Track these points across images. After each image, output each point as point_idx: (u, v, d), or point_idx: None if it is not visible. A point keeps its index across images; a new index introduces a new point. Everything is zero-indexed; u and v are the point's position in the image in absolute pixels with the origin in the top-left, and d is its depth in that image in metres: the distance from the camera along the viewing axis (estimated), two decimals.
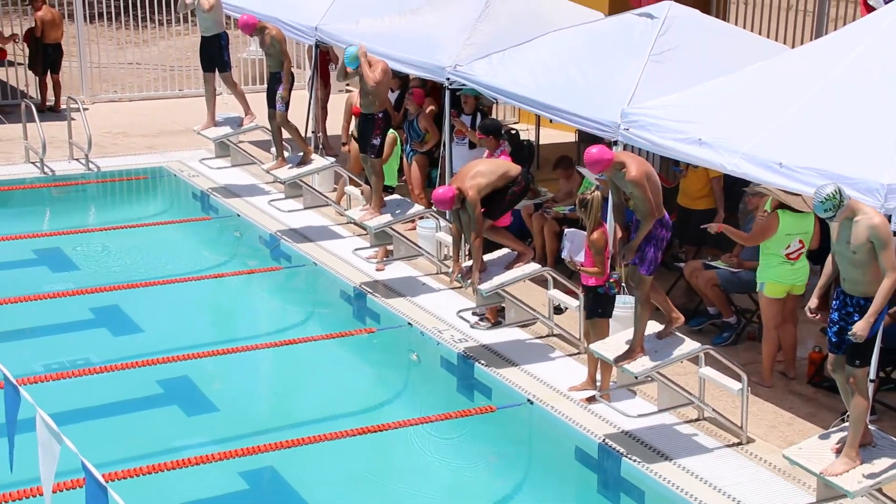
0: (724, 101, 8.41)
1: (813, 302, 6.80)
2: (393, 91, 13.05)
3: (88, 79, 17.05)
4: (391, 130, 10.47)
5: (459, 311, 9.46)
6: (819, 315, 6.84)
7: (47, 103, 16.07)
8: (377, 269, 10.60)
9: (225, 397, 8.66)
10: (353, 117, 11.68)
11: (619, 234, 7.59)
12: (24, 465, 5.81)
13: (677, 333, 7.86)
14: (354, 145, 11.33)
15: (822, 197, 6.28)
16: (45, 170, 13.53)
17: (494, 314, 9.49)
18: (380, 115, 10.13)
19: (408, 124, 11.81)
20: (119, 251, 11.80)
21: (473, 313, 9.51)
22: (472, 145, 11.09)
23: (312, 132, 13.51)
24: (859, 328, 6.34)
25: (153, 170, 14.05)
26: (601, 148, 7.37)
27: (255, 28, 11.70)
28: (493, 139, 9.79)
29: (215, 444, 7.81)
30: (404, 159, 11.93)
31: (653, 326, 7.83)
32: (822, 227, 8.70)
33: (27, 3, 16.78)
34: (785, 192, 8.03)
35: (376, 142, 10.15)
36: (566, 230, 8.13)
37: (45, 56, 15.94)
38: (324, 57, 14.15)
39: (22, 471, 5.90)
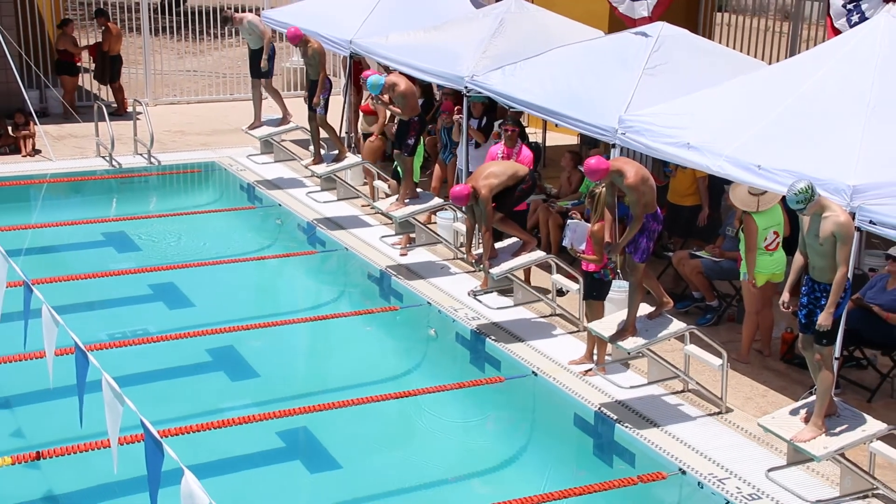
0: (710, 110, 8.30)
1: (785, 296, 6.70)
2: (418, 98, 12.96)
3: (152, 84, 17.01)
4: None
5: (470, 292, 9.36)
6: (791, 308, 6.73)
7: (113, 106, 16.05)
8: (401, 255, 10.52)
9: (265, 365, 8.61)
10: (362, 114, 12.13)
11: (609, 227, 7.49)
12: (92, 421, 5.80)
13: (666, 315, 7.76)
14: (370, 142, 11.81)
15: (795, 190, 6.19)
16: (113, 163, 13.50)
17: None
18: (415, 118, 10.10)
19: (446, 132, 11.67)
20: (175, 235, 11.75)
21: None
22: (477, 145, 10.99)
23: (346, 133, 13.41)
24: (823, 319, 6.30)
25: (206, 164, 14.00)
26: (598, 159, 7.30)
27: (300, 39, 11.64)
28: (516, 133, 9.72)
29: (256, 406, 7.77)
30: (440, 161, 11.83)
31: (644, 308, 7.72)
32: (792, 216, 8.59)
33: (94, 19, 16.73)
34: (752, 192, 7.91)
35: (411, 141, 10.17)
36: (569, 221, 8.03)
37: (112, 66, 15.91)
38: (357, 67, 14.05)
39: (91, 426, 5.89)
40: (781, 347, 8.44)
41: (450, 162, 11.76)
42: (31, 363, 7.48)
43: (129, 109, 14.94)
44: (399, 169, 10.42)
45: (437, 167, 11.89)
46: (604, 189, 7.71)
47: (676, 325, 7.65)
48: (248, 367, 8.54)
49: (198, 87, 17.85)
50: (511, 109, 10.46)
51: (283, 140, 13.98)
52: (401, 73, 13.38)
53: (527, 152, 9.76)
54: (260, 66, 13.09)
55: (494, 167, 8.73)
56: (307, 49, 11.68)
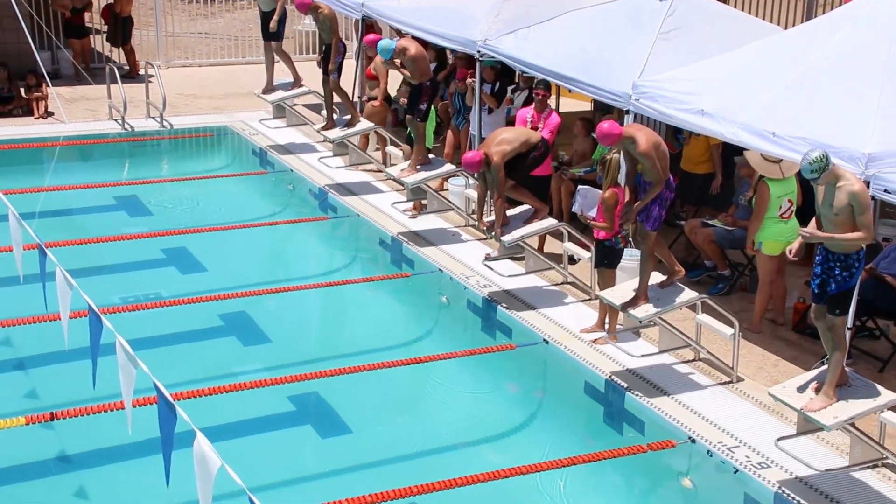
0: (724, 75, 8.23)
1: (794, 245, 6.62)
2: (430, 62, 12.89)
3: (164, 46, 16.95)
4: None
5: (484, 260, 9.36)
6: (797, 258, 6.63)
7: (125, 68, 16.00)
8: (411, 217, 10.47)
9: (277, 330, 8.65)
10: (367, 79, 12.20)
11: (628, 197, 7.44)
12: (106, 383, 5.86)
13: (678, 283, 7.74)
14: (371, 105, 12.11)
15: (809, 160, 6.12)
16: (126, 126, 13.49)
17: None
18: (427, 83, 10.05)
19: (460, 98, 11.61)
20: (187, 200, 11.78)
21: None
22: (490, 110, 10.93)
23: (359, 97, 13.35)
24: (806, 232, 6.24)
25: (219, 128, 13.97)
26: (611, 123, 7.24)
27: (309, 7, 11.53)
28: (548, 97, 9.70)
29: (268, 371, 7.82)
30: (453, 126, 11.77)
31: (656, 277, 7.71)
32: (805, 186, 8.53)
33: None
34: (766, 159, 7.88)
35: (423, 106, 10.11)
36: (580, 187, 7.99)
37: (124, 28, 15.84)
38: (369, 30, 13.95)
39: (104, 388, 5.95)
40: (793, 317, 8.42)
41: (463, 128, 11.72)
42: (47, 325, 7.54)
43: (141, 72, 14.91)
44: (411, 134, 10.39)
45: (449, 133, 11.84)
46: (616, 156, 7.67)
47: (688, 294, 7.64)
48: (259, 332, 8.59)
49: (210, 50, 17.78)
50: (524, 74, 10.38)
51: (295, 104, 13.93)
52: (413, 37, 13.31)
53: (555, 117, 9.73)
54: (270, 29, 12.99)
55: (507, 133, 8.70)
56: (318, 15, 11.60)
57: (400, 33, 14.60)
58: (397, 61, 10.11)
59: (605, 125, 7.21)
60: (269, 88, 13.36)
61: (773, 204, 8.04)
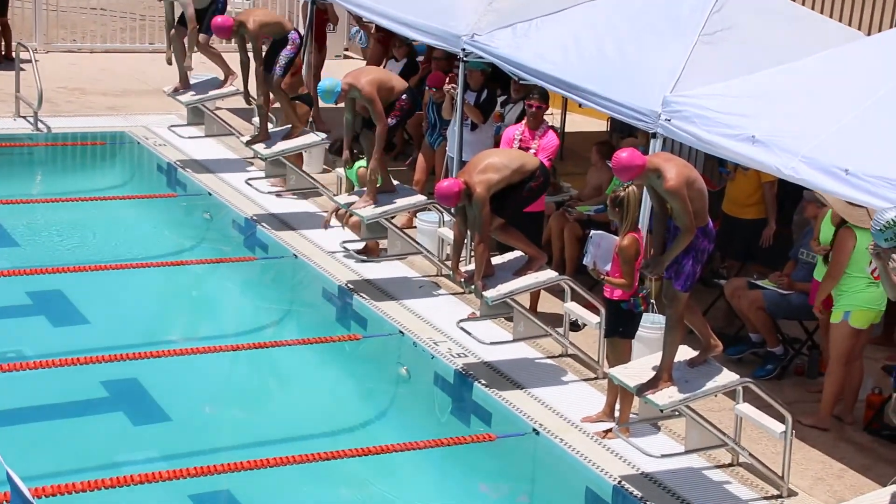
0: (784, 93, 8.38)
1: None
2: (398, 61, 13.09)
3: (43, 23, 17.05)
4: None
5: (460, 322, 9.44)
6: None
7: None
8: (364, 261, 10.64)
9: (179, 406, 8.64)
10: None
11: (654, 245, 7.56)
12: None
13: (713, 362, 7.83)
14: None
15: (881, 224, 6.26)
16: None
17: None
18: (401, 97, 10.18)
19: (434, 108, 11.76)
20: (67, 227, 11.80)
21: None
22: (473, 126, 11.08)
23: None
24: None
25: (113, 135, 14.05)
26: (632, 152, 7.36)
27: (231, 31, 11.61)
28: (544, 111, 9.90)
29: (164, 460, 7.79)
30: (426, 145, 11.91)
31: (684, 352, 7.80)
32: None
33: None
34: (848, 203, 8.01)
35: (392, 122, 10.18)
36: (592, 232, 8.10)
37: None
38: (321, 16, 14.15)
39: None
40: (866, 414, 8.53)
41: (438, 147, 11.86)
42: None
43: (12, 56, 14.98)
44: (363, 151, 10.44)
45: (420, 154, 11.97)
46: (633, 189, 7.78)
47: (726, 377, 7.72)
48: (155, 408, 8.56)
49: (105, 32, 17.91)
50: (520, 81, 10.56)
51: (217, 108, 14.05)
52: (376, 30, 13.48)
53: (552, 137, 9.88)
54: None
55: (495, 158, 8.82)
56: (247, 34, 11.62)
57: (360, 21, 14.90)
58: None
59: (625, 154, 7.34)
60: (184, 86, 13.46)
61: (860, 256, 8.13)
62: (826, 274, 8.31)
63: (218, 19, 11.68)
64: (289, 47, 11.66)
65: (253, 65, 11.71)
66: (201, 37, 13.10)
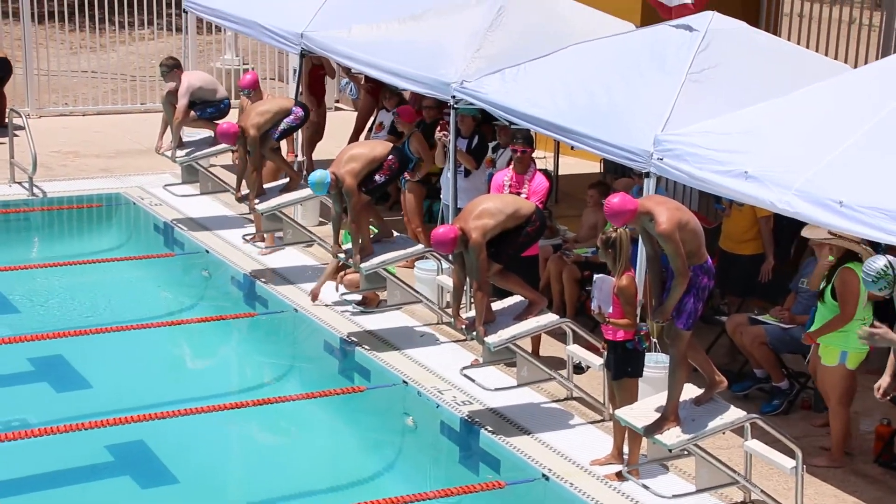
0: (775, 128, 8.41)
1: (885, 380, 6.73)
2: (388, 111, 13.15)
3: (35, 88, 17.11)
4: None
5: (463, 369, 9.42)
6: (889, 394, 6.76)
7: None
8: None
9: (186, 466, 8.59)
10: None
11: (653, 288, 7.56)
12: None
13: (719, 399, 7.81)
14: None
15: (873, 273, 6.30)
16: None
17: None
18: (389, 157, 10.26)
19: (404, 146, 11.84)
20: (66, 291, 11.77)
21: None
22: (467, 173, 11.12)
23: (295, 156, 13.52)
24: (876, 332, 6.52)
25: (108, 196, 14.06)
26: (623, 197, 7.43)
27: (236, 137, 11.60)
28: (529, 155, 9.93)
29: None
30: (403, 191, 11.96)
31: (690, 391, 7.78)
32: None
33: None
34: (848, 238, 8.03)
35: (378, 179, 10.23)
36: (596, 277, 8.10)
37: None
38: (316, 71, 14.20)
39: None
40: (875, 445, 8.49)
41: (405, 187, 11.87)
42: None
43: (6, 122, 15.02)
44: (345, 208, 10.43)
45: (409, 198, 11.99)
46: (624, 231, 7.81)
47: (733, 414, 7.70)
48: (163, 470, 8.51)
49: (97, 94, 17.98)
50: (512, 126, 10.61)
51: (211, 165, 14.06)
52: (365, 80, 13.54)
53: (541, 180, 9.89)
54: None
55: (489, 203, 8.83)
56: (248, 139, 11.57)
57: (349, 73, 14.97)
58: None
59: (616, 200, 7.40)
60: (177, 144, 13.50)
61: (862, 297, 8.12)
62: (838, 316, 8.22)
63: (224, 125, 11.70)
64: (291, 117, 11.72)
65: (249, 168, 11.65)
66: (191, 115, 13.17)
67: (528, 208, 8.91)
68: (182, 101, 12.76)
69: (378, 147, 10.48)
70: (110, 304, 11.45)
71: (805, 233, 8.47)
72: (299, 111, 11.80)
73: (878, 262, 6.29)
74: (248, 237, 12.03)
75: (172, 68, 12.82)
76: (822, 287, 8.37)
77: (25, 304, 11.39)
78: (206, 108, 12.99)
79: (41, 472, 8.39)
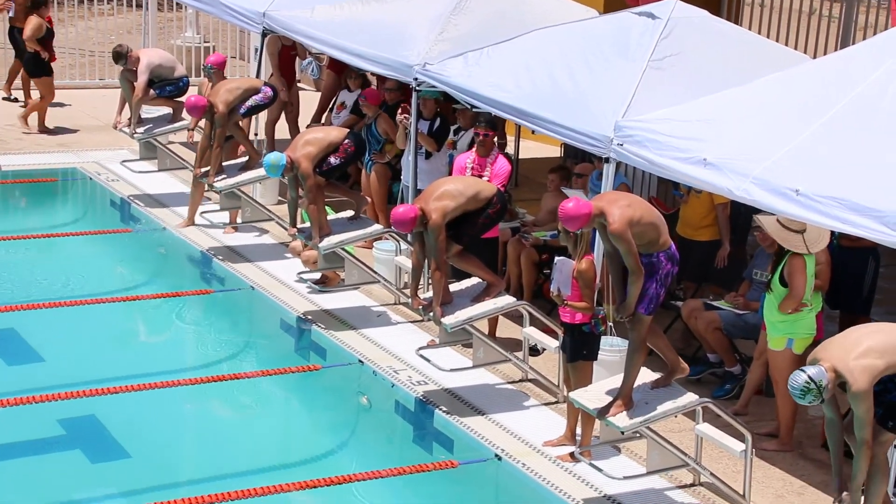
0: (734, 116, 8.46)
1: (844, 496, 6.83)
2: (351, 91, 13.13)
3: None
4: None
5: (419, 349, 9.44)
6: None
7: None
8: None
9: (138, 441, 8.56)
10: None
11: (614, 283, 7.63)
12: None
13: (673, 383, 7.87)
14: None
15: (797, 390, 6.46)
16: None
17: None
18: (346, 140, 10.31)
19: (366, 129, 11.85)
20: (19, 265, 11.71)
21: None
22: (428, 155, 11.15)
23: (255, 135, 13.45)
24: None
25: (64, 171, 13.97)
26: (577, 201, 7.50)
27: (204, 111, 11.57)
28: (492, 138, 9.98)
29: (124, 496, 7.77)
30: (363, 171, 11.95)
31: (645, 374, 7.84)
32: (833, 261, 8.83)
33: None
34: (786, 226, 8.13)
35: (334, 161, 10.27)
36: (556, 259, 8.15)
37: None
38: (287, 52, 14.15)
39: None
40: (823, 431, 8.59)
41: (371, 170, 11.90)
42: None
43: None
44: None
45: (373, 179, 12.00)
46: None
47: (686, 398, 7.76)
48: (114, 444, 8.49)
49: (56, 68, 17.76)
50: (473, 109, 10.62)
51: (170, 142, 14.00)
52: (328, 60, 13.50)
53: (503, 163, 9.94)
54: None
55: (451, 185, 8.86)
56: (213, 117, 11.56)
57: (312, 54, 14.91)
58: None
59: (570, 205, 7.48)
60: (137, 120, 13.42)
61: (809, 284, 8.24)
62: (787, 297, 8.32)
63: (192, 99, 11.65)
64: (260, 95, 11.76)
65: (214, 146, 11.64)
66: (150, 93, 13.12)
67: (489, 191, 8.94)
68: (142, 79, 12.71)
69: (334, 132, 10.52)
70: (65, 278, 11.36)
71: (760, 219, 8.54)
72: (268, 90, 11.83)
73: (800, 377, 6.45)
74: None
75: (124, 55, 12.82)
76: (769, 277, 8.48)
77: None
78: (166, 86, 12.95)
79: None
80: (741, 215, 10.07)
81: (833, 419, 6.74)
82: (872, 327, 6.90)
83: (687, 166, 8.27)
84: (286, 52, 14.12)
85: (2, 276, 11.45)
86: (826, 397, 6.50)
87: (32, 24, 15.00)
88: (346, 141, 10.34)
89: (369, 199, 11.42)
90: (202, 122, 11.92)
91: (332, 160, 10.26)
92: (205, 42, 18.52)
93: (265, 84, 12.02)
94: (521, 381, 9.30)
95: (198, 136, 12.09)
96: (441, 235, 8.60)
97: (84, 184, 13.78)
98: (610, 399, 7.65)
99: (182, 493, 7.58)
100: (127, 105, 13.04)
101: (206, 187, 11.91)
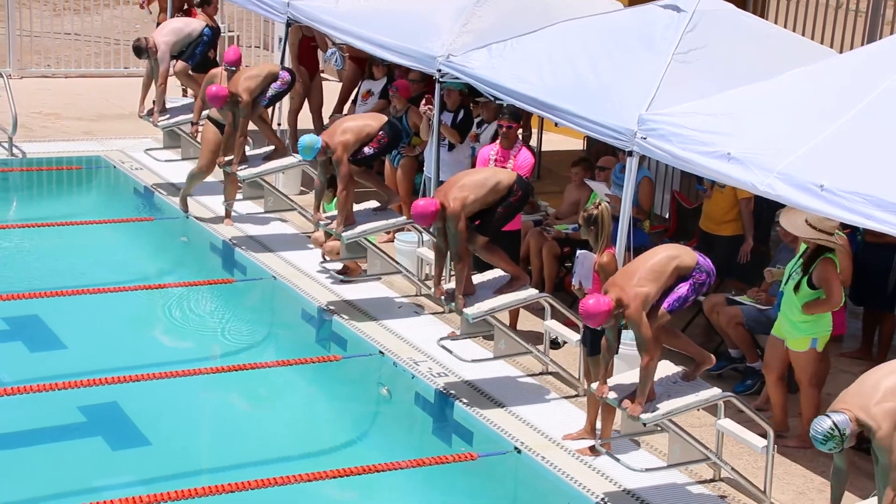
0: (759, 110, 8.41)
1: None
2: (376, 79, 13.11)
3: (17, 49, 16.99)
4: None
5: (441, 340, 9.44)
6: None
7: None
8: (343, 282, 10.66)
9: (159, 429, 8.59)
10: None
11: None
12: None
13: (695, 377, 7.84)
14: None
15: (820, 436, 6.37)
16: None
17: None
18: (380, 132, 10.30)
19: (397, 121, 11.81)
20: (43, 252, 11.73)
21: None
22: (451, 146, 11.11)
23: (278, 125, 13.47)
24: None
25: (89, 159, 14.00)
26: (597, 298, 7.35)
27: (225, 100, 11.54)
28: (516, 131, 9.97)
29: (143, 484, 7.74)
30: (388, 163, 11.93)
31: (667, 367, 7.80)
32: (857, 257, 8.78)
33: None
34: (812, 225, 8.08)
35: (369, 151, 10.28)
36: (578, 252, 8.12)
37: None
38: (307, 43, 14.14)
39: None
40: None
41: (399, 164, 11.88)
42: None
43: None
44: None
45: (399, 174, 11.98)
46: (605, 206, 7.85)
47: (708, 392, 7.73)
48: (135, 432, 8.51)
49: (80, 56, 17.86)
50: (497, 101, 10.59)
51: (195, 131, 14.00)
52: (350, 54, 13.51)
53: (527, 156, 9.92)
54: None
55: (469, 177, 8.85)
56: (236, 107, 11.57)
57: (335, 44, 14.90)
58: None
59: (591, 301, 7.32)
60: (161, 109, 13.45)
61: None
62: (823, 302, 8.24)
63: (212, 89, 11.55)
64: (278, 83, 11.72)
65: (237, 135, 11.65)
66: (180, 65, 13.16)
67: (508, 179, 8.92)
68: (163, 67, 12.79)
69: (372, 121, 10.45)
70: (87, 266, 11.40)
71: (782, 222, 8.49)
72: (286, 75, 11.82)
73: (825, 422, 6.38)
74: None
75: (144, 48, 12.94)
76: (797, 279, 8.32)
77: (2, 263, 11.36)
78: (194, 50, 13.11)
79: (13, 430, 8.38)
80: (764, 210, 10.01)
81: (842, 469, 6.67)
82: (888, 368, 6.77)
83: (711, 160, 8.22)
84: (306, 43, 14.11)
85: (26, 263, 11.50)
86: (846, 446, 6.43)
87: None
88: (381, 132, 10.32)
89: (398, 195, 11.39)
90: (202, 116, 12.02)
91: (367, 150, 10.26)
92: (229, 31, 18.52)
93: (283, 68, 11.99)
94: (541, 373, 9.28)
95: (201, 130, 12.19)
96: (461, 224, 8.59)
97: (108, 172, 13.81)
98: (630, 392, 7.62)
99: (202, 482, 7.60)
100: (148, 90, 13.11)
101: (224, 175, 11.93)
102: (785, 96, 8.47)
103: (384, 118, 10.58)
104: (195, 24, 13.36)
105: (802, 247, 8.44)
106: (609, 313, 7.32)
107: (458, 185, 8.72)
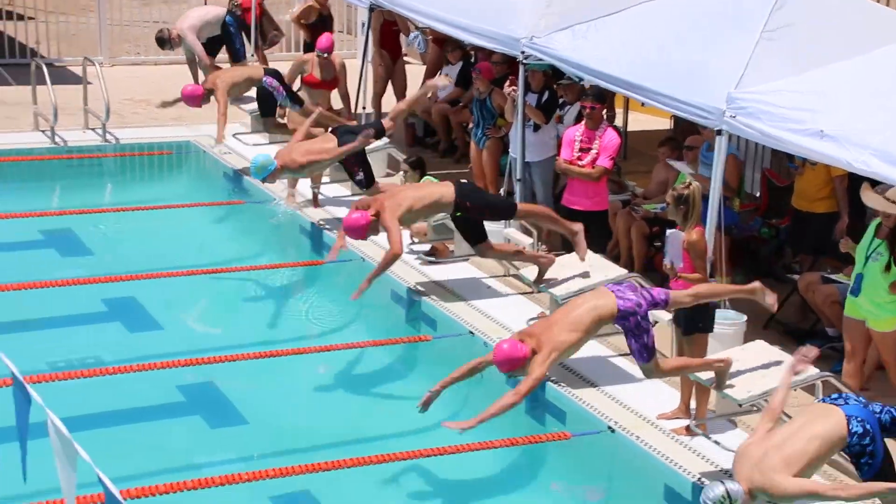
0: (852, 87, 8.31)
1: None
2: (453, 64, 13.08)
3: (108, 37, 17.20)
4: None
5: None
6: None
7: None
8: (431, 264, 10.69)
9: (255, 408, 8.67)
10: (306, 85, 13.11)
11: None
12: (38, 475, 5.78)
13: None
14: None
15: (711, 501, 6.12)
16: (56, 139, 13.64)
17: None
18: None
19: (478, 104, 11.75)
20: (138, 235, 11.86)
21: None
22: (536, 127, 11.04)
23: (363, 108, 13.47)
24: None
25: (179, 144, 14.13)
26: (513, 344, 7.66)
27: (201, 99, 12.09)
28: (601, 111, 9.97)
29: (242, 461, 7.83)
30: (473, 144, 11.89)
31: (764, 348, 7.68)
32: None
33: None
34: (888, 198, 7.92)
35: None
36: (668, 232, 8.03)
37: None
38: (389, 27, 14.15)
39: (37, 481, 5.86)
40: None
41: (484, 147, 11.82)
42: None
43: (78, 70, 15.10)
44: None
45: (485, 156, 11.94)
46: (696, 186, 7.77)
47: (805, 371, 7.59)
48: (232, 411, 8.61)
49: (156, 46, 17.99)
50: (581, 82, 10.52)
51: (281, 114, 14.06)
52: (435, 35, 13.50)
53: (612, 136, 9.84)
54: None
55: (409, 191, 9.63)
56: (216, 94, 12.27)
57: (418, 28, 14.88)
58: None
59: (506, 347, 7.70)
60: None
61: None
62: None
63: (188, 88, 12.17)
64: (276, 92, 12.50)
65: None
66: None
67: (447, 197, 9.49)
68: (198, 49, 13.98)
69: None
70: (180, 249, 11.51)
71: (865, 200, 8.32)
72: (271, 82, 12.61)
73: (716, 489, 6.17)
74: None
75: (167, 39, 13.38)
76: (886, 259, 8.13)
77: (99, 246, 11.50)
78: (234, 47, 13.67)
79: (113, 409, 8.50)
80: (860, 186, 9.81)
81: None
82: (786, 433, 6.49)
83: (803, 138, 8.13)
84: (388, 27, 14.10)
85: (122, 245, 11.65)
86: None
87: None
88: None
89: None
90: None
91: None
92: None
93: (265, 73, 12.71)
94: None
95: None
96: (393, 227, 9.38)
97: (197, 156, 13.93)
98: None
99: (298, 461, 7.61)
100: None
101: None
102: (877, 72, 8.35)
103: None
104: (215, 10, 13.60)
105: (873, 224, 8.26)
106: (523, 361, 7.48)
107: (398, 196, 9.26)
